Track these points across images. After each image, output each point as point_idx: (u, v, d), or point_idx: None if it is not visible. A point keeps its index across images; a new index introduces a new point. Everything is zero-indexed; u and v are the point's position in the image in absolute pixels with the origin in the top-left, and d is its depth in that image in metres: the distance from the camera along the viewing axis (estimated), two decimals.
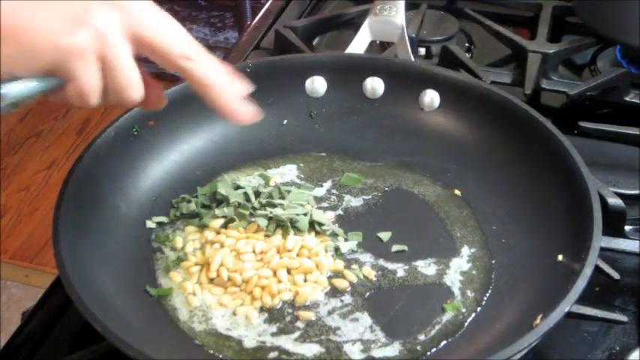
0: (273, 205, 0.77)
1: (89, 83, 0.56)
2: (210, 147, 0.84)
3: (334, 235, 0.76)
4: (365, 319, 0.68)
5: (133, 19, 0.57)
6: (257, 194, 0.78)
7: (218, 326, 0.68)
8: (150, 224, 0.77)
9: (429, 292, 0.71)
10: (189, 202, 0.78)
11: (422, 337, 0.66)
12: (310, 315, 0.69)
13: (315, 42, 1.07)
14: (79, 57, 0.55)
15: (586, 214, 0.68)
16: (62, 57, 0.54)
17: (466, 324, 0.68)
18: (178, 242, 0.75)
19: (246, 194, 0.78)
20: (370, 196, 0.81)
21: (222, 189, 0.78)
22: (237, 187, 0.79)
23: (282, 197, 0.78)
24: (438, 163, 0.83)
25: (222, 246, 0.73)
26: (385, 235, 0.76)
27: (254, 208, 0.77)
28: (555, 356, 0.69)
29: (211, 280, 0.71)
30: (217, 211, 0.77)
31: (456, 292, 0.70)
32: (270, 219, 0.75)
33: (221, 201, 0.78)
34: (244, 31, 1.14)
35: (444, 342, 0.66)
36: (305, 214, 0.76)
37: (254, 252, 0.73)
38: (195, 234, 0.76)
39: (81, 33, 0.54)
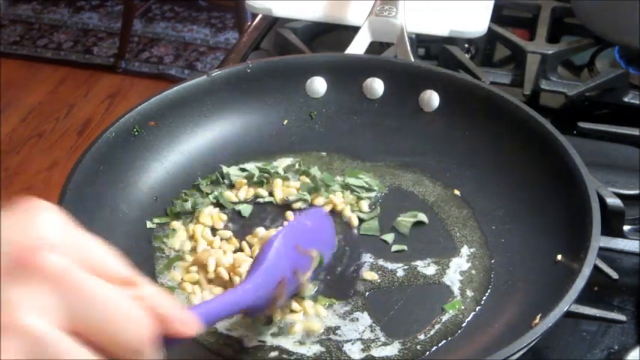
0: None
1: None
2: (211, 147, 0.85)
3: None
4: (365, 318, 0.68)
5: (76, 303, 0.42)
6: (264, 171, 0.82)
7: (218, 326, 0.68)
8: (150, 225, 0.77)
9: (429, 291, 0.71)
10: (185, 200, 0.79)
11: (421, 337, 0.67)
12: None
13: (314, 43, 1.08)
14: None
15: (585, 214, 0.68)
16: None
17: (465, 323, 0.68)
18: (176, 242, 0.75)
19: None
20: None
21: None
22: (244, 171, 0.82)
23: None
24: (438, 163, 0.83)
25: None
26: (389, 237, 0.76)
27: (277, 173, 0.81)
28: (554, 355, 0.69)
29: (210, 281, 0.72)
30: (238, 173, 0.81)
31: (456, 291, 0.71)
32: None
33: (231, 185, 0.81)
34: (244, 32, 1.14)
35: (444, 341, 0.66)
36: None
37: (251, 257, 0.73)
38: (190, 232, 0.76)
39: (7, 347, 0.40)
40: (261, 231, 0.75)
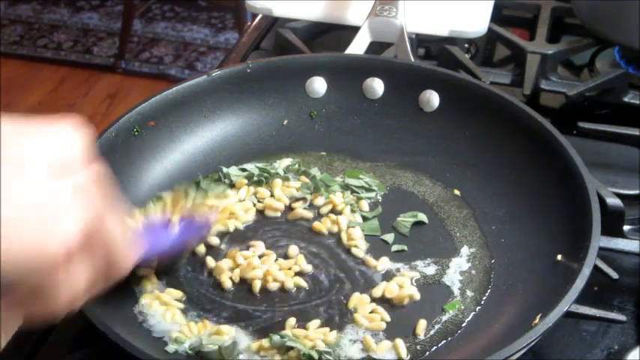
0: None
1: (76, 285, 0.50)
2: (211, 147, 0.85)
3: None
4: None
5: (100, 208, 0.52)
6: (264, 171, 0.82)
7: None
8: None
9: (429, 291, 0.71)
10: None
11: (421, 337, 0.67)
12: None
13: (314, 43, 1.08)
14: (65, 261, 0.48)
15: (585, 214, 0.68)
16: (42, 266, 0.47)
17: (465, 323, 0.68)
18: None
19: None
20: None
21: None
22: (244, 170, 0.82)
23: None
24: (438, 163, 0.83)
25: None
26: (389, 237, 0.76)
27: (277, 173, 0.81)
28: (554, 355, 0.69)
29: None
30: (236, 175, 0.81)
31: (456, 291, 0.71)
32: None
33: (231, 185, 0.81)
34: (244, 32, 1.14)
35: (444, 341, 0.66)
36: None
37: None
38: None
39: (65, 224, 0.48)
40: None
